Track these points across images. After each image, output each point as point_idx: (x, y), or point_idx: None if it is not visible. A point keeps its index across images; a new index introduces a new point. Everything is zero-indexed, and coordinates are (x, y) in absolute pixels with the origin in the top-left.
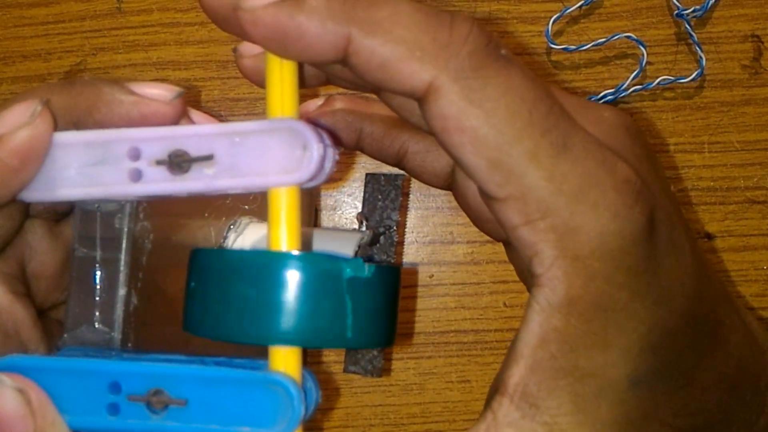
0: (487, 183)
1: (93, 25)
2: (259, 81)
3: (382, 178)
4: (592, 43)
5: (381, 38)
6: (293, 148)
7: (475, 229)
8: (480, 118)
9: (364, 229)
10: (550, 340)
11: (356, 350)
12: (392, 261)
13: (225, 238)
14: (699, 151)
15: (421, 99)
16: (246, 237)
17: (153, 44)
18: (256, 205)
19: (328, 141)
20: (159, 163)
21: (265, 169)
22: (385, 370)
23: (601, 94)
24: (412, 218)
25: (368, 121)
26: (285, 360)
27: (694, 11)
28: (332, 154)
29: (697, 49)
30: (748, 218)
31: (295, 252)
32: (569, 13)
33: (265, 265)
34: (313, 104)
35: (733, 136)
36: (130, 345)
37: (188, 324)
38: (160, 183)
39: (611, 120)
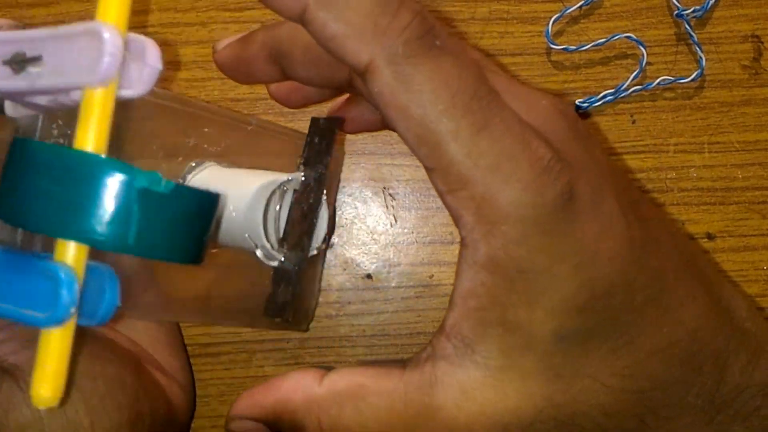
0: (417, 154)
1: None
2: (233, 73)
3: (321, 121)
4: (592, 44)
5: (332, 14)
6: (98, 51)
7: None
8: (408, 99)
9: (301, 172)
10: (479, 293)
11: (275, 301)
12: (320, 202)
13: (183, 177)
14: (699, 151)
15: (362, 75)
16: (203, 176)
17: None
18: (219, 147)
19: (135, 51)
20: (4, 63)
21: (77, 70)
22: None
23: (601, 94)
24: (412, 218)
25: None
26: (66, 252)
27: (694, 11)
28: (143, 66)
29: (697, 49)
30: (748, 218)
31: (95, 154)
32: (569, 13)
33: (63, 161)
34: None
35: (733, 136)
36: None
37: None
38: (4, 80)
39: (547, 106)
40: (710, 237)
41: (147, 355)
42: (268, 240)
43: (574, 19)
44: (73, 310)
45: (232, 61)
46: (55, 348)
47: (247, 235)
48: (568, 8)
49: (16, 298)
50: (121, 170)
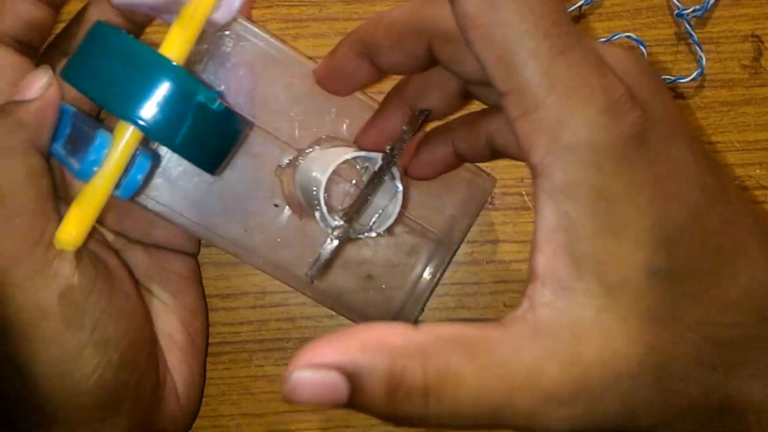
0: (495, 78)
1: None
2: (333, 84)
3: (417, 112)
4: None
5: None
6: None
7: (475, 228)
8: (493, 19)
9: (379, 155)
10: (565, 226)
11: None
12: (385, 178)
13: (306, 152)
14: None
15: (452, 1)
16: (321, 154)
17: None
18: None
19: None
20: None
21: None
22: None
23: None
24: None
25: (453, 132)
26: (124, 131)
27: (694, 11)
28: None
29: (697, 49)
30: None
31: (172, 62)
32: (570, 12)
33: (144, 57)
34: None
35: (733, 136)
36: None
37: (66, 71)
38: None
39: (620, 52)
40: None
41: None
42: (327, 206)
43: (575, 19)
44: (95, 169)
45: (329, 73)
46: (81, 200)
47: (314, 192)
48: (568, 8)
49: (70, 148)
50: (188, 82)
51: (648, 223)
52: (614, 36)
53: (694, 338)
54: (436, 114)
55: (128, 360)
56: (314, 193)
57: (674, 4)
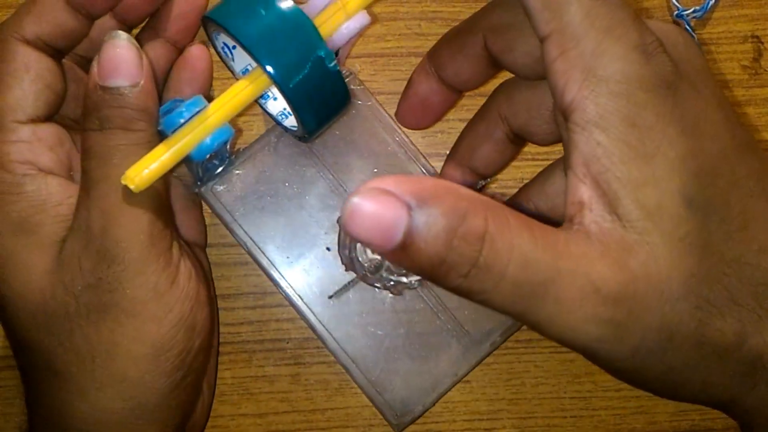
0: (539, 21)
1: None
2: (418, 117)
3: (477, 182)
4: None
5: None
6: None
7: None
8: None
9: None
10: (599, 155)
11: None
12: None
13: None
14: None
15: None
16: None
17: None
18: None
19: None
20: None
21: None
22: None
23: None
24: None
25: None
26: (222, 102)
27: (694, 12)
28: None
29: None
30: None
31: (306, 16)
32: None
33: (284, 6)
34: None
35: None
36: None
37: (212, 12)
38: None
39: (664, 24)
40: None
41: None
42: (362, 255)
43: None
44: (181, 121)
45: (406, 105)
46: (160, 148)
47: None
48: None
49: (170, 106)
50: (315, 36)
51: (680, 152)
52: None
53: (732, 275)
54: (490, 167)
55: (204, 348)
56: (352, 243)
57: (674, 4)
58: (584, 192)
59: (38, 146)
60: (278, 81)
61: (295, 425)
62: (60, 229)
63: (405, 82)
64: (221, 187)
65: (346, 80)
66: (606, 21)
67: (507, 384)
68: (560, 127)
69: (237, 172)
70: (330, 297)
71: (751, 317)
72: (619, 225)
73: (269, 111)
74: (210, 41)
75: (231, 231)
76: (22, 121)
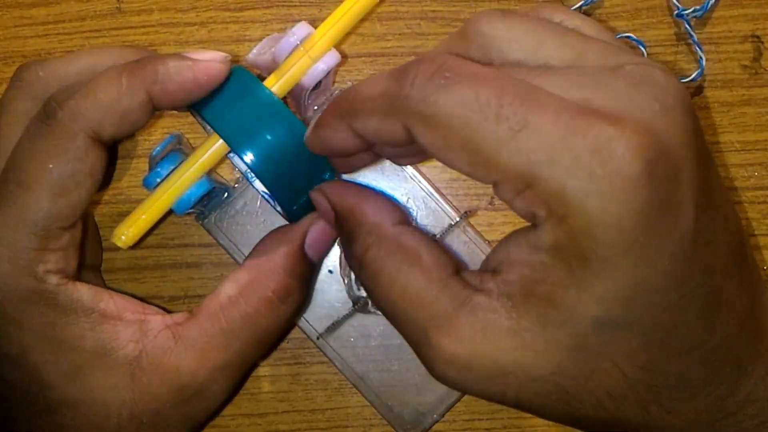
0: (477, 177)
1: (93, 25)
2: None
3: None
4: None
5: (359, 121)
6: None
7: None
8: (442, 136)
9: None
10: (536, 269)
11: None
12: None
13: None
14: None
15: (411, 137)
16: None
17: (153, 44)
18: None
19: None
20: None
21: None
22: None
23: None
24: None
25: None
26: (194, 160)
27: (694, 11)
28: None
29: (697, 49)
30: (748, 218)
31: (276, 99)
32: None
33: (256, 93)
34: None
35: (733, 136)
36: None
37: (195, 104)
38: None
39: (632, 74)
40: None
41: None
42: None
43: None
44: (158, 180)
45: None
46: (142, 206)
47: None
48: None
49: (157, 158)
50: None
51: (620, 284)
52: (614, 36)
53: (620, 377)
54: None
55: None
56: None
57: (674, 4)
58: (504, 275)
59: (71, 251)
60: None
61: (295, 425)
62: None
63: None
64: (224, 219)
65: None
66: (542, 153)
67: None
68: (507, 203)
69: (238, 202)
70: (318, 338)
71: (633, 409)
72: (504, 315)
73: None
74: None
75: (236, 261)
76: (66, 227)
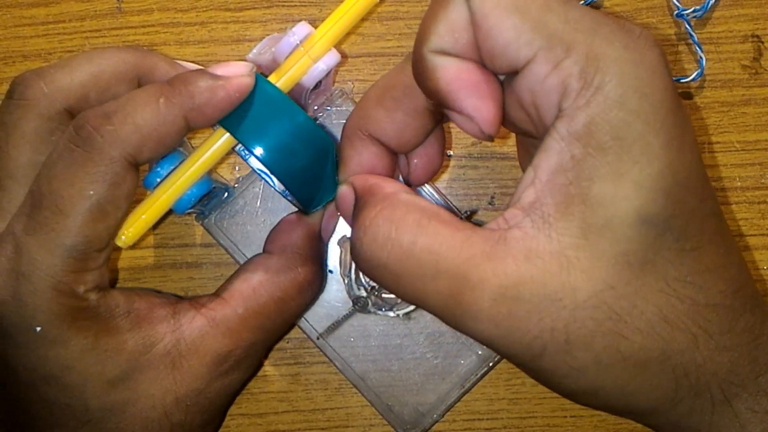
0: (520, 47)
1: (93, 25)
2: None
3: (463, 212)
4: None
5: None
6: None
7: None
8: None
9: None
10: (567, 168)
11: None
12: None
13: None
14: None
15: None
16: None
17: (153, 44)
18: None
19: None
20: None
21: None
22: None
23: None
24: None
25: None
26: (196, 158)
27: (694, 11)
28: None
29: (697, 49)
30: (748, 218)
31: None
32: None
33: (274, 97)
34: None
35: (733, 136)
36: None
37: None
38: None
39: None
40: None
41: None
42: (358, 278)
43: None
44: (158, 180)
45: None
46: (141, 206)
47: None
48: None
49: (161, 162)
50: (294, 110)
51: (656, 168)
52: None
53: (670, 294)
54: (402, 142)
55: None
56: (351, 263)
57: (674, 4)
58: (530, 194)
59: (105, 267)
60: (264, 162)
61: (295, 425)
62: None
63: None
64: (224, 218)
65: (339, 100)
66: (587, 23)
67: (507, 383)
68: (533, 122)
69: (238, 201)
70: (318, 338)
71: (684, 336)
72: (544, 235)
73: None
74: None
75: (237, 261)
76: (102, 248)
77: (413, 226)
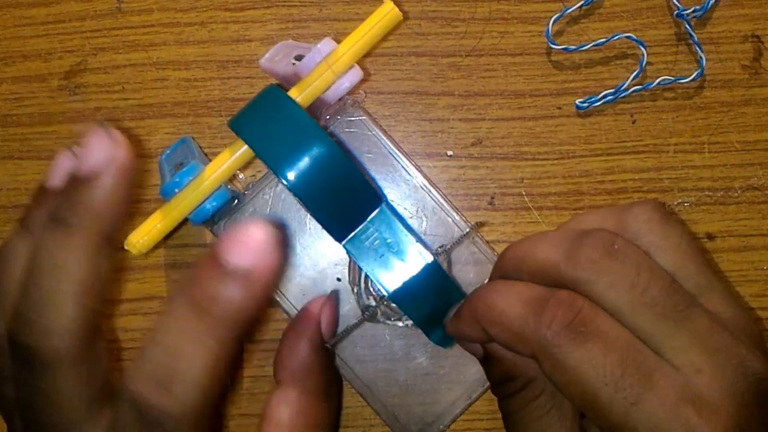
0: (583, 411)
1: (93, 25)
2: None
3: (473, 224)
4: (592, 44)
5: (494, 330)
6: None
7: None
8: (567, 380)
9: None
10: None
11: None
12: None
13: None
14: (699, 151)
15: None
16: None
17: (153, 44)
18: None
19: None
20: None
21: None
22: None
23: (602, 94)
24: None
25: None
26: (215, 168)
27: (694, 11)
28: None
29: (697, 49)
30: (748, 218)
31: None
32: (569, 13)
33: (291, 116)
34: None
35: (733, 136)
36: None
37: (235, 123)
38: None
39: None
40: (710, 237)
41: None
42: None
43: (574, 19)
44: (177, 191)
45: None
46: (157, 214)
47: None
48: (568, 8)
49: (171, 165)
50: (315, 132)
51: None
52: (614, 36)
53: None
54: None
55: None
56: (360, 272)
57: (674, 4)
58: None
59: None
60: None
61: None
62: None
63: (405, 82)
64: (234, 225)
65: (351, 108)
66: (647, 429)
67: None
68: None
69: (248, 208)
70: (326, 345)
71: None
72: None
73: None
74: None
75: None
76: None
77: None
